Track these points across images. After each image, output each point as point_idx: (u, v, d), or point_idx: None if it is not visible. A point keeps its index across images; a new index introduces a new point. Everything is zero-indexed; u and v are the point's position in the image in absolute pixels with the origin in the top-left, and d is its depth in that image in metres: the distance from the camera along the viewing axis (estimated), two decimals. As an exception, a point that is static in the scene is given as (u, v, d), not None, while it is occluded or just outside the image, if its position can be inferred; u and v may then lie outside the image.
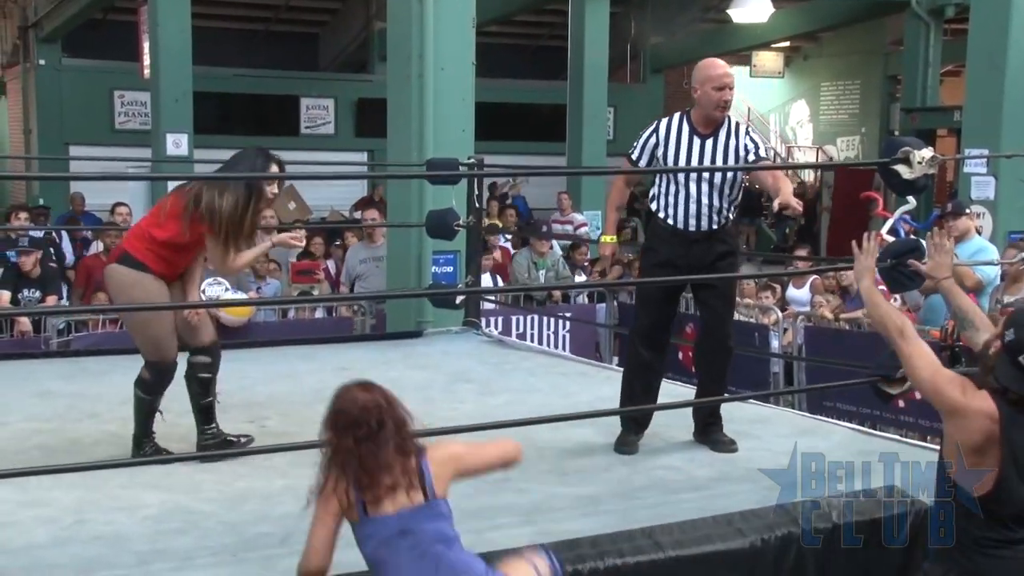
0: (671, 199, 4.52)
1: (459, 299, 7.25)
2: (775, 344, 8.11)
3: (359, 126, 18.31)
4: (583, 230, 12.31)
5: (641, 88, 20.82)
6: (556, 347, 8.51)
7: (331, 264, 9.72)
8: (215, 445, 4.45)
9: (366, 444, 2.71)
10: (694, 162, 4.48)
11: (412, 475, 2.73)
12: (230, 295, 7.76)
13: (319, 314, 8.51)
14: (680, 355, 7.88)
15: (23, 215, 9.61)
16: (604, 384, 6.00)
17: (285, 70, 18.34)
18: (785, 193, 4.42)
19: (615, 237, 4.94)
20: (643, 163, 4.58)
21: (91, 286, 8.21)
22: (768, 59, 24.94)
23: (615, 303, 9.41)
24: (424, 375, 6.19)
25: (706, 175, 4.44)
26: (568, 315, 8.88)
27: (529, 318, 8.71)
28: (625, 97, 19.38)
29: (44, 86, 16.86)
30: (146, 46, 13.09)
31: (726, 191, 4.50)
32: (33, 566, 3.28)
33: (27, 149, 17.19)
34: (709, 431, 4.66)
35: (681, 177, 4.48)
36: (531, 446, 4.57)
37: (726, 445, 4.59)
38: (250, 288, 8.27)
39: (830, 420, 5.47)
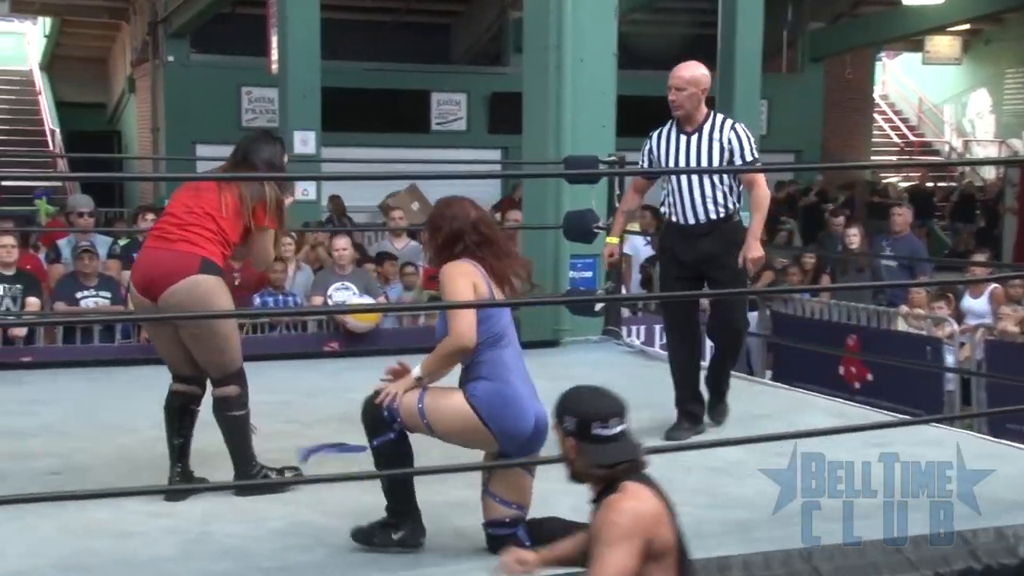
0: (671, 198, 5.22)
1: (598, 306, 7.24)
2: (950, 359, 7.85)
3: (493, 122, 18.47)
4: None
5: (798, 79, 20.41)
6: (703, 359, 8.42)
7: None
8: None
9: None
10: (681, 158, 5.18)
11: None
12: (357, 300, 7.94)
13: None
14: (841, 369, 7.70)
15: (150, 216, 9.98)
16: (756, 398, 5.91)
17: (415, 63, 18.66)
18: (750, 243, 5.05)
19: (616, 239, 5.72)
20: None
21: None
22: (943, 44, 24.13)
23: (767, 312, 9.25)
24: (561, 387, 6.13)
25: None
26: (717, 325, 8.76)
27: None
28: (780, 88, 19.03)
29: (172, 83, 17.55)
30: (274, 40, 13.49)
31: (717, 182, 5.12)
32: (159, 579, 3.43)
33: (154, 148, 17.93)
34: (711, 404, 5.40)
35: (675, 175, 5.17)
36: (677, 465, 4.54)
37: (720, 415, 5.35)
38: (379, 293, 8.43)
39: (1015, 445, 5.24)
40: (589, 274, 7.52)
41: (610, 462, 2.71)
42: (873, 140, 23.52)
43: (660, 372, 6.63)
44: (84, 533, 3.76)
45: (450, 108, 19.00)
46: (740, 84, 13.87)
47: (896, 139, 25.79)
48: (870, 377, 8.03)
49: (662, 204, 5.33)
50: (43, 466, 4.55)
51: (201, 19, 16.85)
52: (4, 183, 18.01)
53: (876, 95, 24.65)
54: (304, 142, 12.90)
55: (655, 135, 5.32)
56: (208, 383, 4.32)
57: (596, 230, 6.92)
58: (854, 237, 9.92)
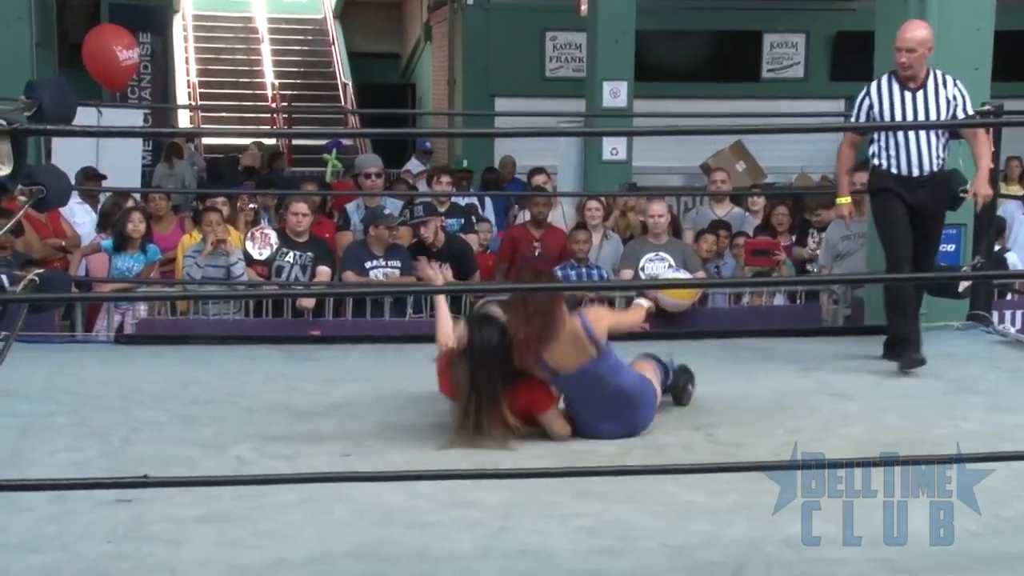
0: (891, 151, 6.25)
1: (963, 286, 6.97)
2: None
3: (836, 68, 18.00)
4: None
5: None
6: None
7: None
8: None
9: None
10: (909, 113, 6.21)
11: (582, 339, 4.87)
12: (673, 274, 7.96)
13: (779, 300, 8.52)
14: None
15: (444, 179, 10.42)
16: None
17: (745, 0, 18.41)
18: (980, 178, 6.20)
19: (848, 198, 6.60)
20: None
21: (516, 261, 8.74)
22: None
23: None
24: (915, 383, 6.03)
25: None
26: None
27: (1061, 314, 8.23)
28: None
29: (471, 29, 18.11)
30: (583, -22, 13.70)
31: (940, 136, 6.23)
32: (457, 579, 3.59)
33: (450, 103, 18.62)
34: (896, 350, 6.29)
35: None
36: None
37: (914, 361, 6.17)
38: (697, 268, 8.42)
39: None
40: (952, 247, 7.28)
41: None
42: None
43: (1041, 367, 6.34)
44: (379, 520, 4.00)
45: (785, 52, 18.65)
46: None
47: None
48: None
49: (873, 156, 6.33)
50: (335, 448, 4.87)
51: (505, -45, 17.32)
52: (295, 142, 19.27)
53: None
54: (614, 93, 13.00)
55: (874, 90, 6.32)
56: None
57: (962, 195, 6.65)
58: None
